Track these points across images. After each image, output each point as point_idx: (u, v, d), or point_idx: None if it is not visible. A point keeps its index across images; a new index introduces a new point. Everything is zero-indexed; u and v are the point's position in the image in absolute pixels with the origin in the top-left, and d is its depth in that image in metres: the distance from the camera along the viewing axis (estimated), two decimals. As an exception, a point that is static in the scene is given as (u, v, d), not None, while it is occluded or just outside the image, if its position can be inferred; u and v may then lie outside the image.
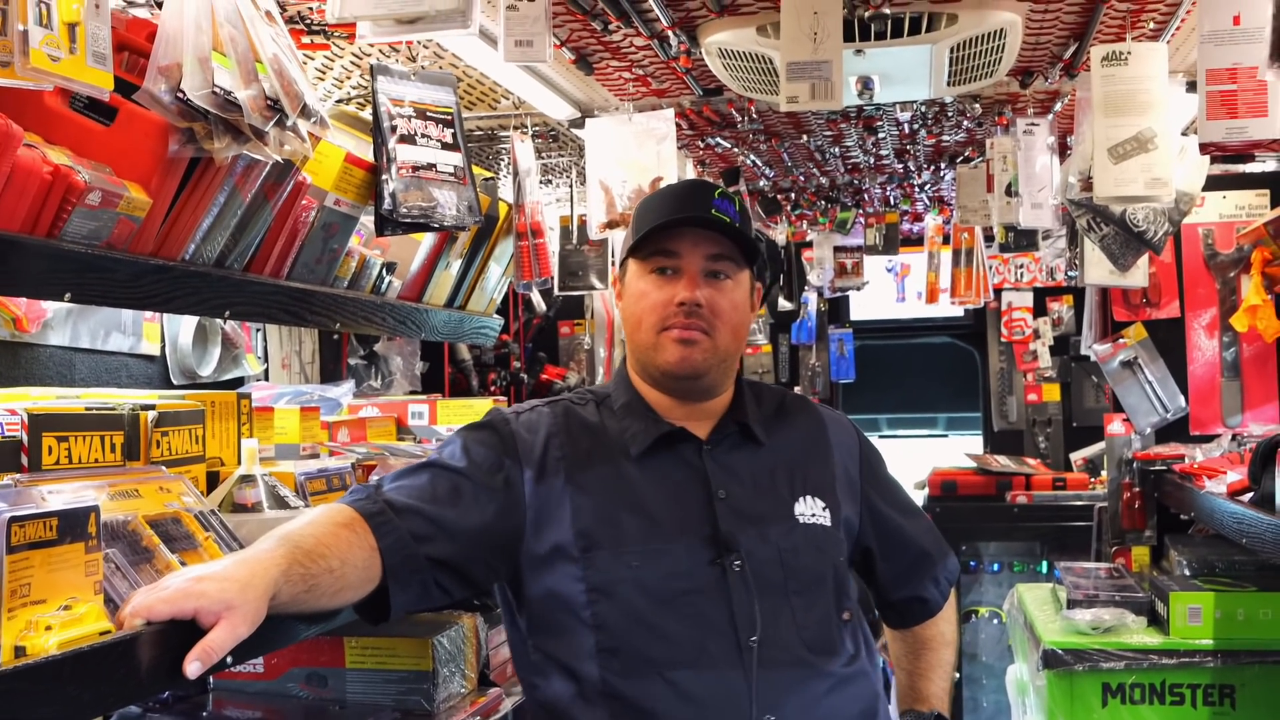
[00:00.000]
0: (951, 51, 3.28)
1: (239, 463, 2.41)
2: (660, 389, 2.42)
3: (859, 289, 7.60)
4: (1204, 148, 2.88)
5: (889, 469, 2.68)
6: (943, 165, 5.47)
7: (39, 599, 1.55)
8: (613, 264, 4.75)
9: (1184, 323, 4.63)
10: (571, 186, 5.04)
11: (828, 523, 2.40)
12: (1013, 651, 4.51)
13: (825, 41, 2.94)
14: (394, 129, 2.88)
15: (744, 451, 2.43)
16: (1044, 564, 6.44)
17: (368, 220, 2.92)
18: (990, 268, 6.94)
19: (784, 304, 7.25)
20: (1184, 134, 3.85)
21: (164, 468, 2.14)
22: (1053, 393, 8.06)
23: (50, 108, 2.00)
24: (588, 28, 3.27)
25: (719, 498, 2.32)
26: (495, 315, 3.98)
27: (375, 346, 5.00)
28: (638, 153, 3.83)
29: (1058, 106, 4.21)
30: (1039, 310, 8.07)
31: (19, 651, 1.49)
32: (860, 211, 6.80)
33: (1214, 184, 4.39)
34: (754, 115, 4.30)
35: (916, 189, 6.18)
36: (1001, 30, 3.20)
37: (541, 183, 5.08)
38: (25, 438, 1.91)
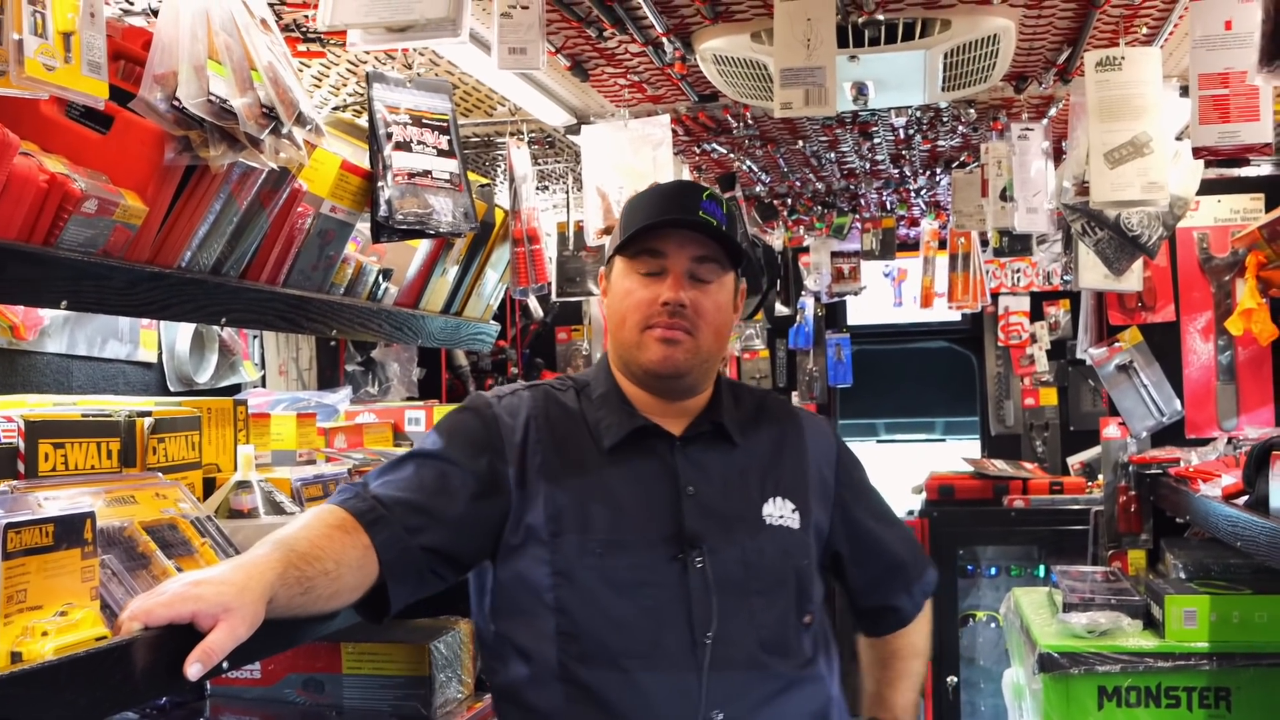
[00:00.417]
0: (945, 57, 3.29)
1: (235, 469, 2.42)
2: (640, 386, 2.44)
3: (856, 294, 7.60)
4: (1197, 152, 2.90)
5: (868, 477, 2.68)
6: (938, 170, 5.48)
7: (35, 605, 1.56)
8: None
9: (1179, 326, 4.64)
10: (568, 193, 5.05)
11: (796, 525, 2.41)
12: (1009, 655, 4.52)
13: (819, 48, 2.95)
14: (389, 136, 2.88)
15: (716, 450, 2.44)
16: (1041, 568, 6.44)
17: (364, 227, 2.92)
18: (987, 272, 6.94)
19: (781, 309, 7.25)
20: (1178, 138, 3.86)
21: (160, 474, 2.15)
22: (1050, 397, 8.07)
23: (46, 116, 2.01)
24: (582, 34, 3.28)
25: (687, 494, 2.34)
26: (492, 321, 3.99)
27: (372, 353, 5.00)
28: (634, 159, 3.84)
29: (1052, 111, 4.22)
30: (1036, 314, 8.07)
31: (15, 657, 1.50)
32: (857, 217, 6.81)
33: (1208, 188, 4.40)
34: (749, 121, 4.30)
35: (912, 194, 6.18)
36: (995, 36, 3.21)
37: (538, 189, 5.09)
38: (22, 444, 1.92)
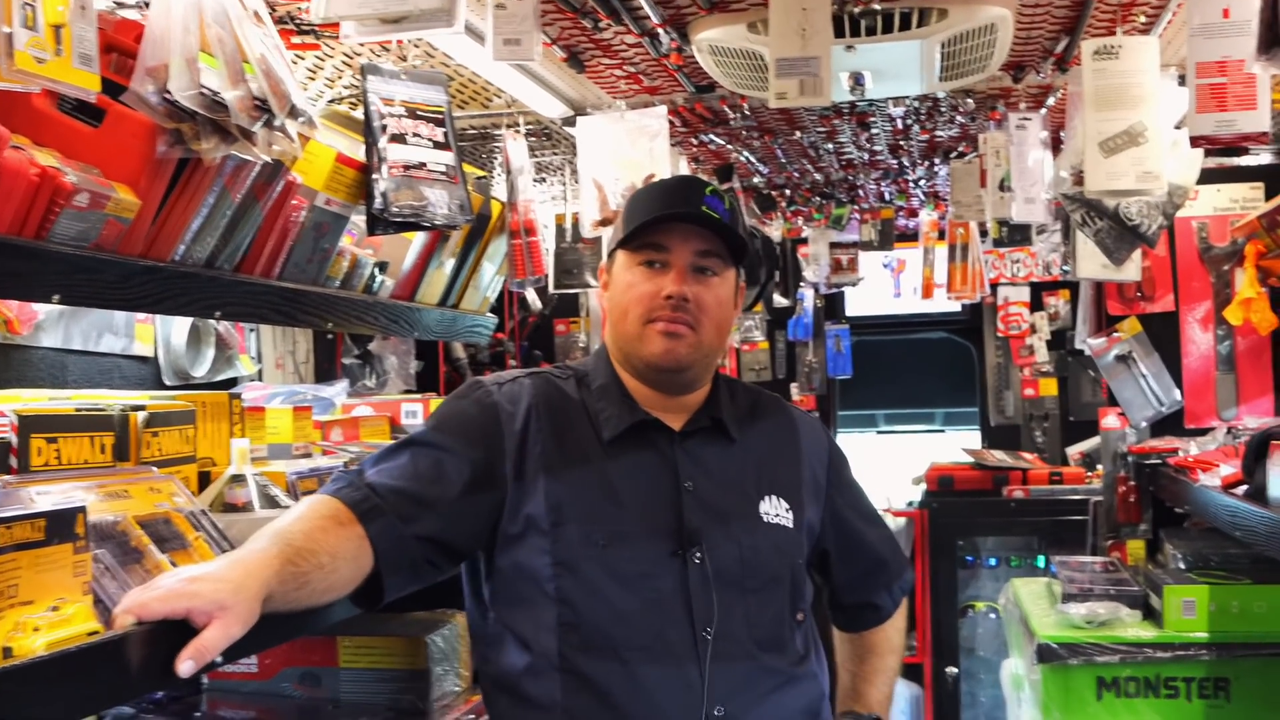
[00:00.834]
0: (943, 46, 3.28)
1: (230, 463, 2.41)
2: (641, 379, 2.43)
3: (854, 285, 7.60)
4: (1194, 141, 2.89)
5: (854, 475, 2.70)
6: (937, 160, 5.47)
7: (27, 600, 1.55)
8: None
9: (1178, 316, 4.63)
10: (565, 184, 5.04)
11: (790, 524, 2.42)
12: (1009, 646, 4.51)
13: (814, 37, 2.94)
14: (385, 128, 2.88)
15: (715, 446, 2.44)
16: (1041, 558, 6.44)
17: (359, 220, 2.92)
18: (986, 263, 6.94)
19: (780, 300, 7.24)
20: (1177, 127, 3.85)
21: (154, 468, 2.14)
22: (1049, 387, 8.06)
23: (38, 109, 2.00)
24: (578, 25, 3.27)
25: (686, 489, 2.34)
26: (489, 314, 3.98)
27: (369, 346, 5.00)
28: (630, 150, 3.83)
29: (1050, 101, 4.21)
30: (1035, 305, 8.07)
31: (6, 653, 1.49)
32: (855, 208, 6.80)
33: (1208, 177, 4.38)
34: (747, 112, 4.30)
35: (911, 184, 6.18)
36: (992, 25, 3.20)
37: (535, 181, 5.07)
38: (15, 439, 1.91)
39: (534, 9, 2.74)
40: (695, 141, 4.81)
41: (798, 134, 4.79)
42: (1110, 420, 4.48)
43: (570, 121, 4.08)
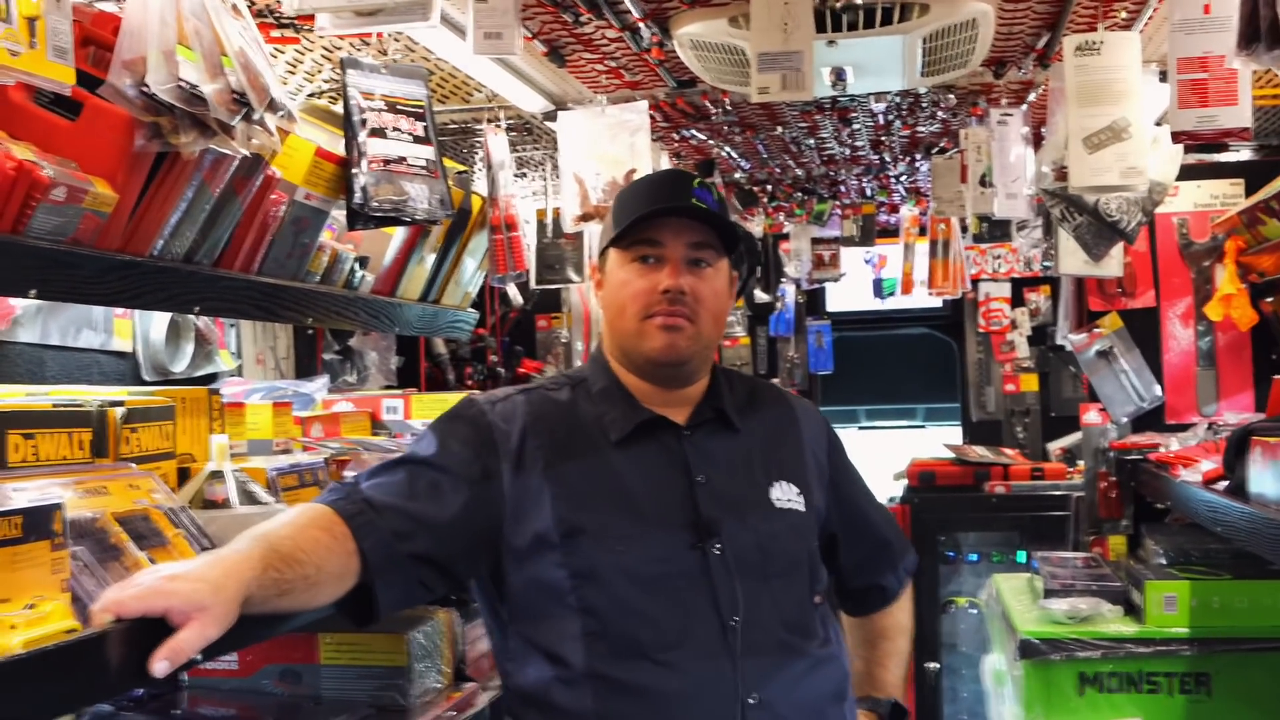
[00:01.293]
0: (924, 42, 3.28)
1: (210, 459, 2.39)
2: (641, 375, 2.43)
3: (836, 280, 7.60)
4: (1175, 137, 2.89)
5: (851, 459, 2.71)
6: (918, 156, 5.47)
7: (3, 598, 1.54)
8: (589, 258, 4.74)
9: (1159, 312, 4.64)
10: (546, 180, 5.03)
11: (802, 508, 2.43)
12: (990, 641, 4.52)
13: (795, 32, 2.94)
14: (364, 123, 2.87)
15: (721, 437, 2.44)
16: (1022, 554, 6.45)
17: (340, 214, 2.90)
18: (967, 258, 6.95)
19: (761, 296, 7.24)
20: (1157, 124, 3.86)
21: (133, 464, 2.13)
22: (1030, 383, 8.08)
23: (14, 102, 1.98)
24: (559, 20, 3.26)
25: (698, 483, 2.34)
26: (471, 309, 3.97)
27: (350, 341, 4.98)
28: (611, 145, 3.82)
29: (1032, 97, 4.22)
30: (1016, 301, 8.08)
31: (-17, 651, 1.48)
32: (837, 203, 6.81)
33: (1188, 173, 4.39)
34: (728, 107, 4.29)
35: (893, 180, 6.18)
36: (973, 20, 3.20)
37: (516, 176, 5.07)
38: (-9, 435, 1.90)
39: (515, 3, 2.74)
40: (677, 137, 4.81)
41: (779, 129, 4.78)
42: (1091, 416, 4.49)
43: (551, 116, 4.07)
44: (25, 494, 1.75)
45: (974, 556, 6.73)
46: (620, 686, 2.21)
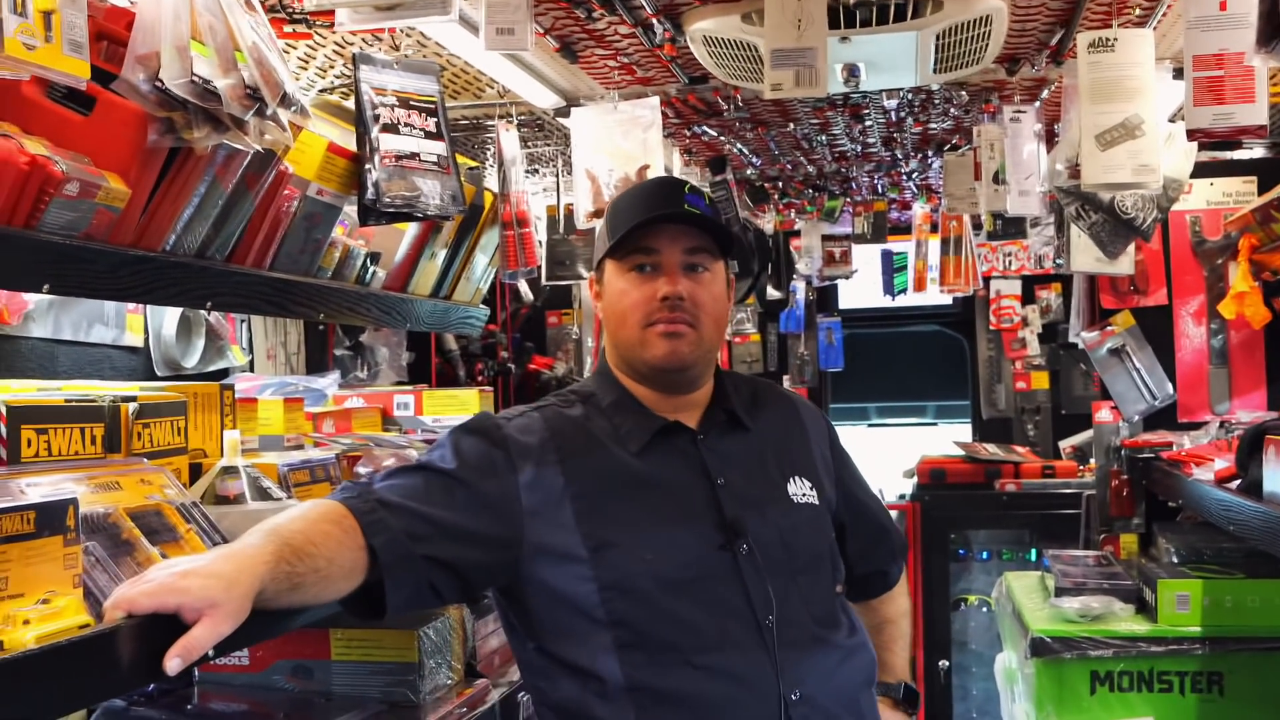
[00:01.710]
0: (937, 38, 3.27)
1: (222, 454, 2.39)
2: (647, 384, 2.44)
3: (848, 278, 7.59)
4: (1191, 134, 2.88)
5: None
6: (930, 153, 5.46)
7: (16, 593, 1.54)
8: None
9: (1172, 310, 4.64)
10: (558, 176, 5.02)
11: (816, 501, 2.47)
12: (1001, 640, 4.51)
13: (809, 28, 2.93)
14: (377, 118, 2.86)
15: (733, 438, 2.46)
16: (1033, 552, 6.45)
17: (352, 210, 2.90)
18: (979, 256, 6.93)
19: (772, 293, 7.24)
20: (1171, 120, 3.85)
21: (145, 460, 2.13)
22: (1041, 380, 8.05)
23: (28, 97, 1.98)
24: (571, 15, 3.25)
25: (719, 485, 2.36)
26: (482, 305, 3.97)
27: (361, 337, 4.98)
28: (623, 141, 3.82)
29: (1045, 94, 4.20)
30: (1027, 298, 8.06)
31: (-4, 646, 1.48)
32: (848, 200, 6.79)
33: (1201, 171, 4.38)
34: (740, 103, 4.28)
35: (904, 177, 6.17)
36: (987, 17, 3.19)
37: (527, 172, 5.07)
38: (4, 430, 1.90)
39: (527, -2, 2.73)
40: (688, 133, 4.80)
41: (791, 126, 4.77)
42: (1103, 414, 4.48)
43: (563, 112, 4.07)
44: (38, 489, 1.75)
45: (985, 554, 6.73)
46: (662, 695, 2.21)
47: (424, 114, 2.99)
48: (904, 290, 7.74)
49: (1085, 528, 4.64)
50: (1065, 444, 7.18)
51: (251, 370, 4.15)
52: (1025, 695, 3.76)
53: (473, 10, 2.89)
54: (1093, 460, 4.84)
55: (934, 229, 6.73)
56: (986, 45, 3.37)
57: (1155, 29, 3.34)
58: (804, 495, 2.44)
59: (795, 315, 8.45)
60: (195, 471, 2.36)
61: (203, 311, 3.69)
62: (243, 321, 4.15)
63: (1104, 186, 3.28)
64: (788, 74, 2.97)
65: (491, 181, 3.98)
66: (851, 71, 3.42)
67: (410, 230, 3.32)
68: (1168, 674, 3.51)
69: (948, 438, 8.69)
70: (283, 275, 2.69)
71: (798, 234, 7.38)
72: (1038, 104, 4.22)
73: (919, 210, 6.97)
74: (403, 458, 2.78)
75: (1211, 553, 3.73)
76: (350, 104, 3.03)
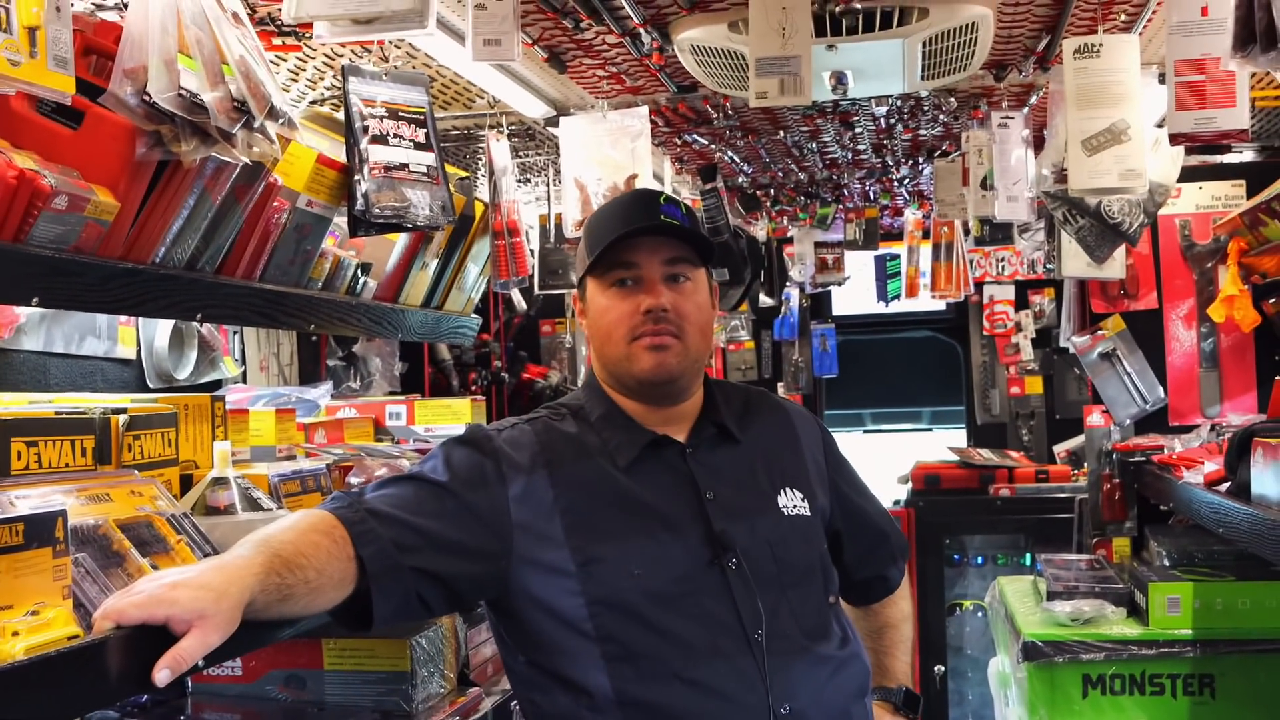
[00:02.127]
0: (924, 45, 3.29)
1: (213, 465, 2.40)
2: (635, 397, 2.44)
3: (840, 284, 7.61)
4: (1174, 139, 2.89)
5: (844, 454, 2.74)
6: (921, 159, 5.48)
7: (5, 605, 1.55)
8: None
9: (1162, 314, 4.65)
10: (549, 185, 5.04)
11: (808, 512, 2.45)
12: (995, 644, 4.52)
13: (794, 37, 2.94)
14: (366, 129, 2.87)
15: (723, 450, 2.45)
16: (1028, 556, 6.46)
17: (342, 221, 2.91)
18: (971, 261, 6.95)
19: (765, 300, 7.25)
20: (1158, 126, 3.86)
21: (136, 471, 2.14)
22: (1035, 385, 8.08)
23: (16, 111, 1.99)
24: (559, 25, 3.27)
25: (708, 499, 2.35)
26: (474, 314, 3.98)
27: (354, 348, 4.99)
28: (613, 150, 3.83)
29: (1032, 99, 4.22)
30: (1020, 303, 8.08)
31: (-15, 657, 1.49)
32: (840, 207, 6.81)
33: (1190, 175, 4.40)
34: (730, 111, 4.29)
35: (895, 183, 6.18)
36: (973, 24, 3.20)
37: (519, 182, 5.07)
38: (-6, 443, 1.91)
39: (514, 9, 2.74)
40: (678, 141, 4.81)
41: (781, 133, 4.79)
42: (1095, 418, 4.49)
43: (553, 122, 4.08)
44: (28, 501, 1.76)
45: (979, 559, 6.74)
46: (651, 710, 2.21)
47: (413, 125, 3.00)
48: (897, 296, 7.75)
49: (1078, 532, 4.65)
50: (1059, 448, 7.21)
51: (244, 381, 4.16)
52: (1018, 699, 3.77)
53: (460, 21, 2.91)
54: (1086, 465, 4.85)
55: (926, 235, 6.74)
56: (973, 52, 3.38)
57: (1141, 34, 3.36)
58: (794, 507, 2.43)
59: (789, 322, 8.46)
60: (186, 483, 2.36)
61: (195, 323, 3.69)
62: (235, 333, 4.16)
63: (1090, 191, 3.29)
64: (773, 82, 2.98)
65: (483, 191, 3.99)
66: (839, 79, 3.44)
67: (401, 241, 3.33)
68: (1159, 677, 3.52)
69: (942, 443, 8.70)
70: (273, 287, 2.70)
71: (790, 241, 7.40)
72: (1026, 110, 4.23)
73: (911, 216, 6.98)
74: (395, 468, 2.78)
75: (1203, 555, 3.74)
76: (340, 116, 3.04)
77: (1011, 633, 3.85)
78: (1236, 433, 2.92)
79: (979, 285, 7.87)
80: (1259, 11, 2.05)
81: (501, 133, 3.94)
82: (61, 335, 3.28)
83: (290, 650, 2.85)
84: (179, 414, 2.38)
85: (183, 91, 2.02)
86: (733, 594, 2.27)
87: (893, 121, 4.63)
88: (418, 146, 2.99)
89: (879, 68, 3.43)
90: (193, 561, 1.97)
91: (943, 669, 6.52)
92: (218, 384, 3.92)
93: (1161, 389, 4.58)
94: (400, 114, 2.97)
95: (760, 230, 6.69)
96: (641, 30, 3.30)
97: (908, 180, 6.08)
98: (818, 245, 7.27)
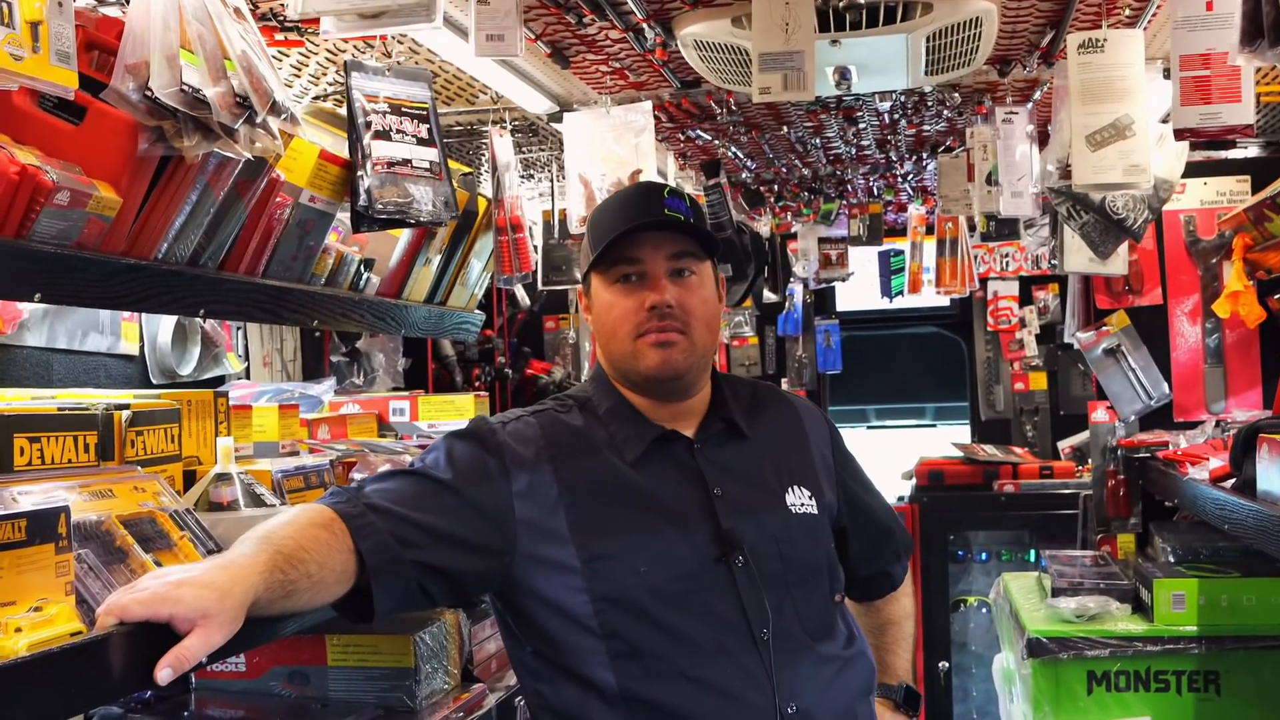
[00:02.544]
0: (928, 40, 3.28)
1: (215, 461, 2.40)
2: (642, 393, 2.42)
3: (844, 280, 7.60)
4: (1179, 134, 2.89)
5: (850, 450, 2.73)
6: (924, 155, 5.47)
7: (8, 601, 1.54)
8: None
9: (1167, 310, 4.65)
10: (552, 181, 5.03)
11: (815, 510, 2.43)
12: (1000, 640, 4.52)
13: (797, 32, 2.94)
14: (369, 125, 2.87)
15: (731, 446, 2.44)
16: (1032, 552, 6.45)
17: (345, 217, 2.91)
18: (975, 257, 6.94)
19: (769, 296, 7.24)
20: (1163, 121, 3.85)
21: (139, 467, 2.13)
22: (1040, 381, 8.05)
23: (18, 107, 1.98)
24: (562, 21, 3.26)
25: (716, 495, 2.33)
26: (477, 310, 3.97)
27: (357, 343, 4.99)
28: (616, 146, 3.83)
29: (1037, 95, 4.21)
30: (1025, 299, 8.06)
31: (-12, 654, 1.49)
32: (844, 202, 6.80)
33: (1195, 170, 4.40)
34: (733, 107, 4.29)
35: (899, 179, 6.17)
36: (977, 19, 3.19)
37: (522, 177, 5.07)
38: (-4, 439, 1.91)
39: (516, 4, 2.73)
40: (682, 137, 4.81)
41: (785, 129, 4.78)
42: (1099, 414, 4.49)
43: (556, 117, 4.08)
44: (30, 497, 1.76)
45: (984, 555, 6.73)
46: (656, 707, 2.20)
47: (416, 120, 2.99)
48: (901, 292, 7.74)
49: (1082, 528, 4.65)
50: (1064, 444, 7.19)
51: (248, 377, 4.16)
52: (1023, 696, 3.76)
53: (463, 17, 2.90)
54: (1090, 461, 4.85)
55: (930, 231, 6.73)
56: (977, 47, 3.37)
57: (1145, 29, 3.35)
58: (802, 505, 2.41)
59: (793, 318, 8.45)
60: (189, 479, 2.37)
61: (198, 319, 3.69)
62: (239, 329, 4.16)
63: (1095, 187, 3.29)
64: (775, 78, 2.98)
65: (486, 187, 3.99)
66: (843, 74, 3.43)
67: (404, 236, 3.32)
68: (1164, 673, 3.52)
69: (946, 439, 8.70)
70: (276, 282, 2.69)
71: (794, 237, 7.39)
72: (1030, 105, 4.23)
73: (914, 212, 6.98)
74: (398, 463, 2.78)
75: (1208, 552, 3.74)
76: (343, 111, 3.04)
77: (1016, 629, 3.85)
78: (1242, 429, 2.92)
79: (983, 281, 7.85)
80: (1266, 6, 2.05)
81: (504, 128, 3.93)
82: (64, 331, 3.28)
83: (294, 646, 2.85)
84: (182, 410, 2.38)
85: (185, 87, 2.02)
86: (739, 592, 2.26)
87: (896, 117, 4.63)
88: (420, 142, 2.98)
89: (882, 63, 3.42)
90: (196, 558, 1.97)
91: (947, 665, 6.52)
92: (221, 380, 3.92)
93: (1166, 385, 4.58)
94: (403, 109, 2.97)
95: (764, 226, 6.68)
96: (645, 25, 3.29)
97: (911, 176, 6.07)
98: (821, 241, 7.26)
